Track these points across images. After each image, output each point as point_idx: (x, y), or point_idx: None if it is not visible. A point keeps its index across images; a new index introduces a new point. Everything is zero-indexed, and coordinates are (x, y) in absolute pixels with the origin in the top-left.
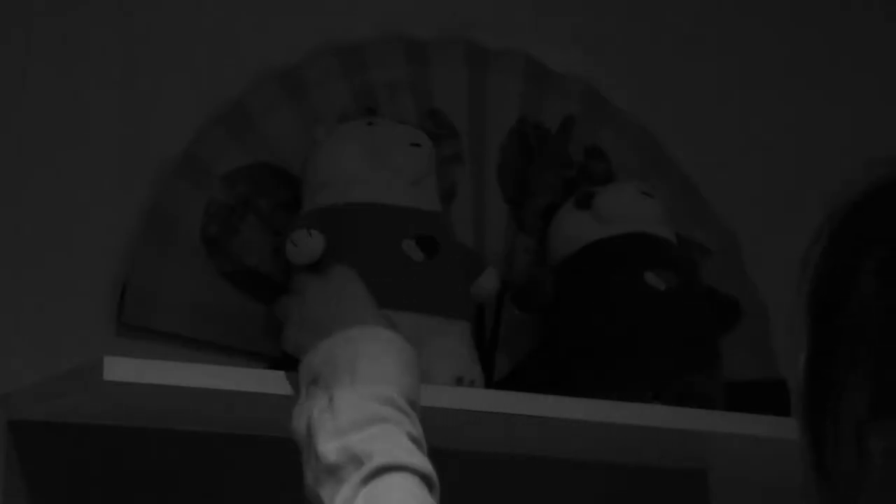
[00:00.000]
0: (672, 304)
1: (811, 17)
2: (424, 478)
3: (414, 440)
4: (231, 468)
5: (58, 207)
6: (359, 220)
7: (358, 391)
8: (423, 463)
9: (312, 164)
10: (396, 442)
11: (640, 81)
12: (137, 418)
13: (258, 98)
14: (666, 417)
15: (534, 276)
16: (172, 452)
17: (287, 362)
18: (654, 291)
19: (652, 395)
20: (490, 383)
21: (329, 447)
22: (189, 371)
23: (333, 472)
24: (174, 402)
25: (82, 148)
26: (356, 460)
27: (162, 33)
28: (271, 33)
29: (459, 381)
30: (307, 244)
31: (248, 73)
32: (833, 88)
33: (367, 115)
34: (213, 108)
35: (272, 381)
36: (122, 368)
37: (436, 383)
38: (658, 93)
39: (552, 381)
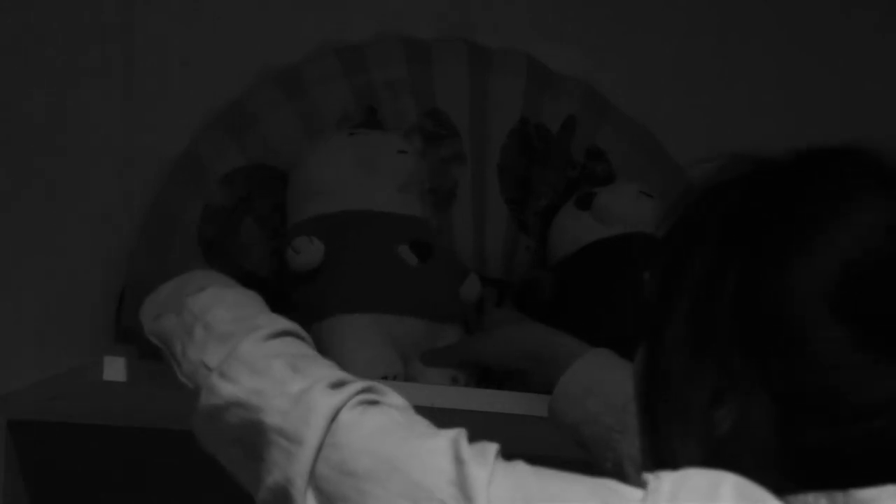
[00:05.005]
0: None
1: (812, 19)
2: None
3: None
4: None
5: (58, 209)
6: (354, 227)
7: (226, 289)
8: (303, 330)
9: (301, 173)
10: (281, 318)
11: (640, 81)
12: (137, 418)
13: (258, 98)
14: None
15: (534, 276)
16: (172, 452)
17: None
18: None
19: None
20: (489, 383)
21: (222, 317)
22: None
23: (227, 338)
24: (173, 402)
25: (83, 149)
26: (254, 327)
27: (162, 33)
28: (271, 33)
29: (455, 381)
30: (309, 251)
31: (249, 73)
32: (837, 88)
33: (348, 126)
34: (213, 108)
35: None
36: (122, 368)
37: (431, 384)
38: (658, 93)
39: None
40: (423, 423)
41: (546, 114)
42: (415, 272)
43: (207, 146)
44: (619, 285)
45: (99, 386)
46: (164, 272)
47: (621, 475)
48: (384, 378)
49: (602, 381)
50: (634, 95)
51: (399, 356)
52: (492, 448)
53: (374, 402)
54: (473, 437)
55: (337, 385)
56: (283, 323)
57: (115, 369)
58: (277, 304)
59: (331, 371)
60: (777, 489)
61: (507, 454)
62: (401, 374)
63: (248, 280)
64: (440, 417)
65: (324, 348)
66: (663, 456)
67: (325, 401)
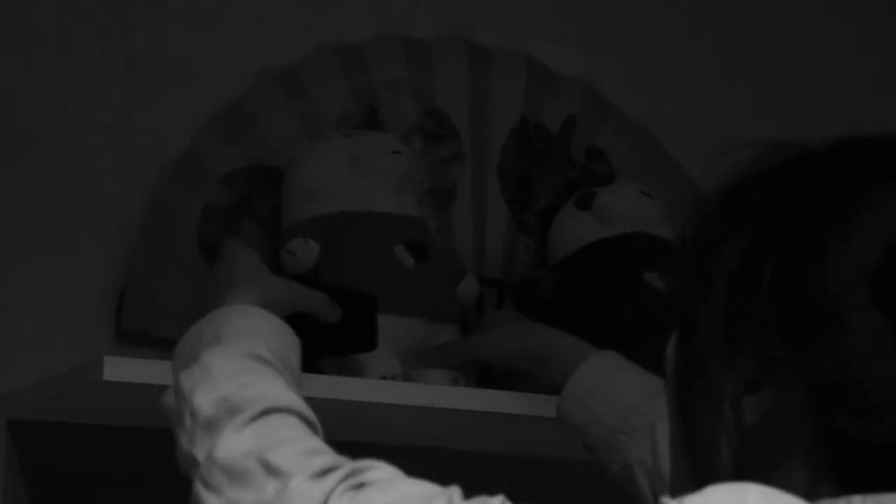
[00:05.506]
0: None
1: (813, 19)
2: (305, 419)
3: (287, 386)
4: None
5: (58, 209)
6: (351, 228)
7: (225, 350)
8: (301, 405)
9: (296, 175)
10: (270, 388)
11: (640, 81)
12: (137, 418)
13: (258, 98)
14: None
15: (534, 276)
16: (172, 452)
17: None
18: (653, 291)
19: None
20: (489, 383)
21: (204, 401)
22: None
23: (211, 427)
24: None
25: (83, 149)
26: (235, 410)
27: (162, 33)
28: (271, 33)
29: (455, 382)
30: (304, 253)
31: (249, 73)
32: (837, 88)
33: (346, 126)
34: (213, 108)
35: None
36: (121, 368)
37: (431, 384)
38: (658, 93)
39: None
40: (413, 495)
41: (546, 114)
42: (412, 273)
43: (207, 146)
44: (619, 285)
45: (99, 386)
46: (164, 272)
47: (630, 478)
48: (383, 378)
49: (604, 383)
50: (634, 95)
51: (398, 357)
52: (494, 502)
53: (361, 486)
54: (474, 437)
55: (319, 474)
56: (271, 397)
57: (115, 369)
58: None
59: (311, 459)
60: (810, 489)
61: (508, 455)
62: (399, 374)
63: None
64: (440, 418)
65: None
66: (693, 445)
67: (306, 501)
